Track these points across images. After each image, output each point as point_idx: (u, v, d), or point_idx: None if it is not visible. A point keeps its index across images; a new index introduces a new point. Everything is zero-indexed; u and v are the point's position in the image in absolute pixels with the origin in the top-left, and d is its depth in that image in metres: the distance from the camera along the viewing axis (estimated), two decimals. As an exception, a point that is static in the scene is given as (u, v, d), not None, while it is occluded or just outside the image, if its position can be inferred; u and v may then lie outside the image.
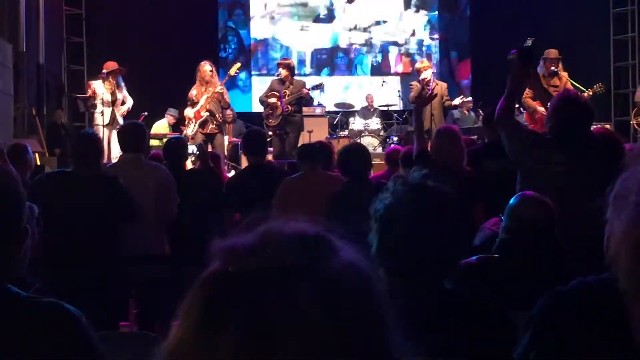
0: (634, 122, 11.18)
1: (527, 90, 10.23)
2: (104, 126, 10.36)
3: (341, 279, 0.89)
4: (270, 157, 10.38)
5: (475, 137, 9.41)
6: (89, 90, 10.78)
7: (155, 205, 5.42)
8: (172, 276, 5.38)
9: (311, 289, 0.87)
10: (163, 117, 13.21)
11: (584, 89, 10.67)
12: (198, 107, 10.20)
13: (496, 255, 3.30)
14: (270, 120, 10.54)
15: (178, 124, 12.65)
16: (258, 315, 0.86)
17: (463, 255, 2.94)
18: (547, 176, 4.39)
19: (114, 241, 5.00)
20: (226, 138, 11.54)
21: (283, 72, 10.67)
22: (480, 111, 13.07)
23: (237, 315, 0.87)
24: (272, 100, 10.55)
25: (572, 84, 10.51)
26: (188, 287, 0.93)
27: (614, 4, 14.87)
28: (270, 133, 10.44)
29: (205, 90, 10.18)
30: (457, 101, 11.50)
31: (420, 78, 10.81)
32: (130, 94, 11.01)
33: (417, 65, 11.26)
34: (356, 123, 13.09)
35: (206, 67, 10.29)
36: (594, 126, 10.24)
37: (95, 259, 4.79)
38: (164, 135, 11.65)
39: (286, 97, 10.49)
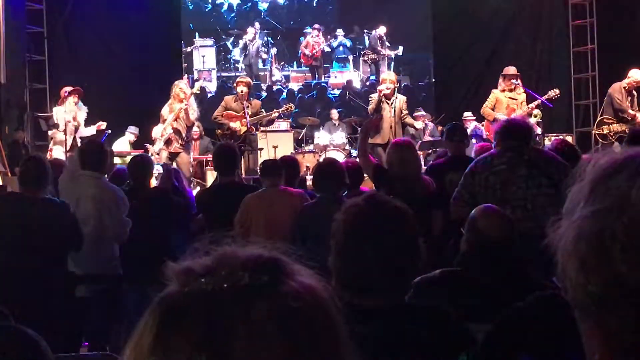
0: (596, 132, 11.34)
1: (486, 103, 10.48)
2: (66, 152, 10.30)
3: (296, 299, 0.89)
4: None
5: (430, 150, 9.52)
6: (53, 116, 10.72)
7: (109, 225, 5.43)
8: (135, 295, 5.35)
9: (265, 307, 0.88)
10: (124, 134, 13.11)
11: (539, 97, 10.89)
12: (165, 124, 10.14)
13: (458, 269, 3.32)
14: (231, 140, 10.08)
15: (139, 142, 12.59)
16: (212, 335, 0.86)
17: (422, 270, 2.96)
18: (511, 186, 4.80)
19: (60, 262, 4.98)
20: (192, 155, 11.48)
21: (245, 89, 10.51)
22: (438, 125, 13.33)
23: (191, 335, 0.87)
24: (234, 125, 10.40)
25: (529, 94, 10.73)
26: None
27: (574, 17, 15.09)
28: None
29: (173, 109, 10.12)
30: (419, 124, 11.51)
31: (378, 88, 10.78)
32: (91, 112, 10.94)
33: (383, 76, 11.24)
34: (321, 137, 13.12)
35: (181, 84, 10.22)
36: (555, 137, 10.46)
37: (42, 281, 4.75)
38: (128, 153, 11.56)
39: (249, 117, 10.36)
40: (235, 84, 10.93)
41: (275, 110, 11.35)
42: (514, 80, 10.59)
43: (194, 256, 0.96)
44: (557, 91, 11.19)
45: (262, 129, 11.55)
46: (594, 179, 0.92)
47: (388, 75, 10.95)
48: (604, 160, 0.93)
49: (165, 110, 10.21)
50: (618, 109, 11.03)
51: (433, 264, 3.55)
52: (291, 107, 11.71)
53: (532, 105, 10.74)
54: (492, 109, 10.40)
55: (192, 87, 11.46)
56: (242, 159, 10.28)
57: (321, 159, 11.93)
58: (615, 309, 0.86)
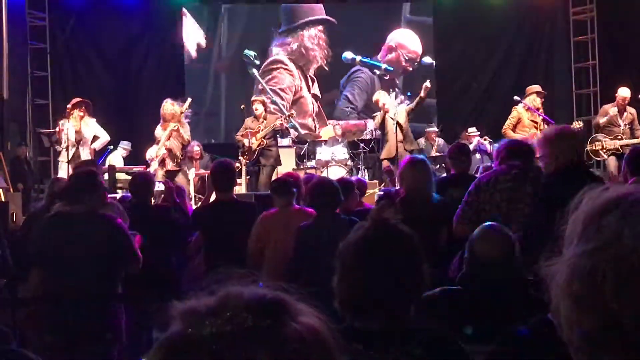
0: (588, 148, 11.40)
1: (508, 122, 10.44)
2: (67, 162, 10.31)
3: (298, 342, 0.89)
4: (243, 189, 10.90)
5: (438, 166, 9.47)
6: (57, 128, 10.72)
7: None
8: (136, 313, 5.33)
9: (269, 351, 0.87)
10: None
11: (547, 118, 10.86)
12: (160, 145, 10.27)
13: (459, 288, 3.31)
14: (246, 156, 11.02)
15: (132, 158, 12.66)
16: None
17: (424, 291, 2.96)
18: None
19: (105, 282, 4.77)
20: (193, 171, 11.54)
21: (259, 107, 11.11)
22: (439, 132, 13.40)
23: None
24: (247, 142, 10.96)
25: (544, 120, 10.67)
26: (152, 324, 0.94)
27: (575, 33, 15.14)
28: (238, 165, 10.57)
29: (166, 129, 10.23)
30: (423, 89, 10.91)
31: (380, 104, 10.91)
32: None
33: (375, 97, 11.42)
34: (323, 153, 13.12)
35: (167, 105, 10.36)
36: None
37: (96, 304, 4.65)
38: (130, 169, 11.57)
39: (260, 133, 10.89)
40: (251, 103, 11.48)
41: (279, 121, 11.59)
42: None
43: (198, 295, 0.95)
44: (581, 124, 11.24)
45: (280, 142, 12.04)
46: (586, 218, 0.92)
47: (379, 94, 11.23)
48: (596, 198, 0.93)
49: (158, 131, 10.41)
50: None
51: (437, 281, 3.55)
52: (292, 114, 12.28)
53: None
54: (514, 129, 10.35)
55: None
56: (259, 174, 10.98)
57: (323, 175, 11.99)
58: (608, 347, 0.86)
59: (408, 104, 11.43)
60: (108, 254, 4.66)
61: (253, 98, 11.69)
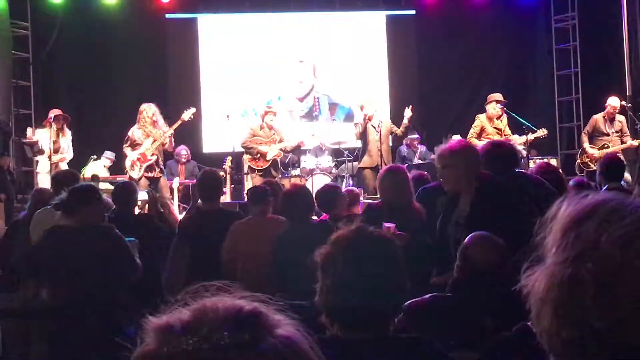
0: (579, 161, 11.49)
1: (472, 131, 10.52)
2: (49, 173, 10.28)
3: (277, 356, 0.87)
4: (228, 197, 10.95)
5: (425, 172, 9.46)
6: (32, 137, 10.66)
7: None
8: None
9: None
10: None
11: (529, 124, 10.92)
12: (142, 149, 10.15)
13: (449, 294, 3.32)
14: (259, 163, 11.32)
15: (115, 167, 12.61)
16: None
17: (409, 298, 2.95)
18: None
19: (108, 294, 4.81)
20: (177, 180, 11.49)
21: (273, 118, 11.50)
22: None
23: None
24: (264, 149, 11.27)
25: (516, 119, 10.75)
26: (138, 334, 0.91)
27: (557, 40, 15.24)
28: (223, 174, 10.57)
29: (150, 134, 10.15)
30: (405, 117, 11.31)
31: (363, 113, 10.97)
32: (75, 137, 10.90)
33: (360, 102, 11.47)
34: (307, 161, 13.12)
35: (150, 110, 10.29)
36: (539, 160, 10.54)
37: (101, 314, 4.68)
38: (114, 178, 11.52)
39: (278, 144, 11.33)
40: (263, 113, 11.78)
41: (301, 141, 12.17)
42: (500, 108, 10.67)
43: (172, 309, 0.92)
44: (545, 131, 11.27)
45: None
46: (564, 226, 0.93)
47: (365, 100, 11.26)
48: (574, 207, 0.94)
49: (137, 134, 10.24)
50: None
51: (422, 288, 3.56)
52: (313, 135, 12.77)
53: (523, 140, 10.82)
54: (479, 137, 10.41)
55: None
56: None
57: (307, 184, 12.00)
58: (588, 354, 0.87)
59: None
60: (110, 266, 4.74)
61: (266, 109, 11.93)
